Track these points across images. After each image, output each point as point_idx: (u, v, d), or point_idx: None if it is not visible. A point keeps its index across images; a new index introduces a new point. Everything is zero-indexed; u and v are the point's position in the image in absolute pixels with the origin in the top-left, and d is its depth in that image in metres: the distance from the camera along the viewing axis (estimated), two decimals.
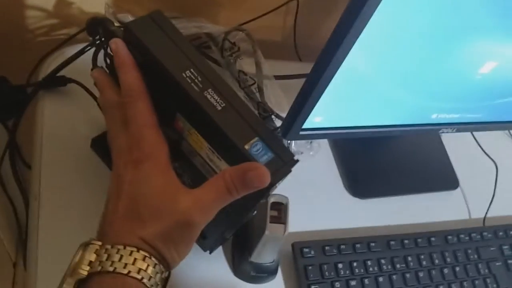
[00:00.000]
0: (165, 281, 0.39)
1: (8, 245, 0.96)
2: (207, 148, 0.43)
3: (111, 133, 0.43)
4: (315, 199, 0.65)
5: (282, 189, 0.54)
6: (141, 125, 0.40)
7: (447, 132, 0.65)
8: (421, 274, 0.62)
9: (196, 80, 0.41)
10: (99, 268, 0.35)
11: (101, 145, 0.57)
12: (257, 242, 0.52)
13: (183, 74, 0.41)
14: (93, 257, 0.36)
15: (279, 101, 0.66)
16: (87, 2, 0.66)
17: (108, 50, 0.47)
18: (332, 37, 0.44)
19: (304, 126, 0.54)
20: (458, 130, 0.65)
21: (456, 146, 0.78)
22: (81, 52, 0.60)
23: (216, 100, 0.41)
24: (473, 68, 0.54)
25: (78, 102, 0.61)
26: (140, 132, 0.40)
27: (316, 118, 0.54)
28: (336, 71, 0.47)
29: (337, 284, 0.57)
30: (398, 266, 0.61)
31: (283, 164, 0.41)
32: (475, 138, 0.79)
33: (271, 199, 0.51)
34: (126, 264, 0.35)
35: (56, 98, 0.61)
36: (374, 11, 0.40)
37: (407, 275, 0.61)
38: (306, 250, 0.58)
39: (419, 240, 0.64)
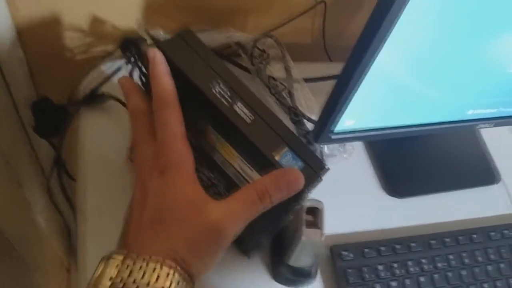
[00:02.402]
0: None
1: (60, 252, 1.01)
2: (239, 159, 0.44)
3: (136, 140, 0.43)
4: (352, 201, 0.65)
5: (318, 192, 0.55)
6: (169, 134, 0.40)
7: (484, 127, 0.63)
8: (464, 273, 0.61)
9: (225, 95, 0.43)
10: (121, 285, 0.34)
11: None
12: (294, 247, 0.52)
13: (213, 90, 0.43)
14: (114, 272, 0.35)
15: (310, 104, 0.66)
16: (121, 19, 0.69)
17: (143, 69, 0.48)
18: (360, 38, 0.44)
19: (336, 130, 0.54)
20: (497, 125, 0.63)
21: (496, 139, 0.76)
22: (118, 69, 0.62)
23: (245, 113, 0.42)
24: (508, 62, 0.53)
25: (116, 117, 0.64)
26: (168, 141, 0.40)
27: (347, 122, 0.54)
28: (365, 73, 0.47)
29: (378, 286, 0.57)
30: (439, 265, 0.61)
31: (313, 172, 0.41)
32: None
33: (306, 204, 0.52)
34: (149, 282, 0.34)
35: (96, 115, 0.64)
36: (403, 9, 0.40)
37: (449, 274, 0.60)
38: (344, 253, 0.58)
39: (461, 237, 0.63)
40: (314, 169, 0.41)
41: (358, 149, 0.70)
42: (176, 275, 0.35)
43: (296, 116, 0.66)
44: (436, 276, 0.60)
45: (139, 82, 0.52)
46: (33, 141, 0.79)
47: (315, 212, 0.52)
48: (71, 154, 0.66)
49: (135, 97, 0.44)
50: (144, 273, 0.34)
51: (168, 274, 0.35)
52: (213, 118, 0.43)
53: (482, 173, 0.73)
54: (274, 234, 0.55)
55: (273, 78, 0.68)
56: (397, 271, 0.59)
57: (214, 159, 0.48)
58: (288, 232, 0.54)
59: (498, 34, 0.48)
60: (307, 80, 0.70)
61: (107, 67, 0.67)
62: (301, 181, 0.38)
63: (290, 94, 0.67)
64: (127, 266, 0.35)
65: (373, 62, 0.45)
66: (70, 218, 0.96)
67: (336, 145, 0.61)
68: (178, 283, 0.35)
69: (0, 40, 0.61)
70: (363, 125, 0.56)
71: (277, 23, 0.74)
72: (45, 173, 0.83)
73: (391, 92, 0.52)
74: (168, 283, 0.35)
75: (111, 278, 0.35)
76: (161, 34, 0.62)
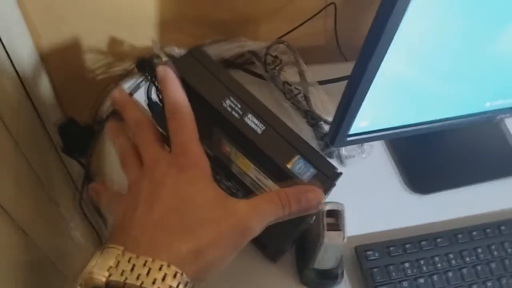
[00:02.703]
0: None
1: None
2: (254, 169, 0.45)
3: (143, 145, 0.40)
4: (375, 200, 0.65)
5: (340, 193, 0.56)
6: (187, 137, 0.39)
7: (505, 117, 0.62)
8: (493, 265, 0.60)
9: (236, 108, 0.44)
10: (123, 278, 0.31)
11: None
12: (317, 250, 0.53)
13: (224, 104, 0.44)
14: (112, 262, 0.31)
15: (326, 107, 0.67)
16: (137, 38, 0.71)
17: (159, 86, 0.50)
18: (366, 41, 0.45)
19: (351, 132, 0.55)
20: None
21: None
22: (137, 87, 0.65)
23: (256, 124, 0.43)
24: None
25: None
26: (187, 143, 0.39)
27: (361, 123, 0.54)
28: (374, 75, 0.47)
29: (405, 284, 0.57)
30: (467, 259, 0.60)
31: (326, 178, 0.42)
32: None
33: (326, 207, 0.52)
34: (155, 280, 0.31)
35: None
36: (406, 8, 0.40)
37: (478, 267, 0.60)
38: (369, 253, 0.59)
39: (488, 230, 0.62)
40: (327, 175, 0.42)
41: (378, 147, 0.70)
42: (185, 275, 0.32)
43: (313, 119, 0.66)
44: (464, 270, 0.59)
45: (157, 99, 0.54)
46: (64, 160, 0.83)
47: (336, 214, 0.53)
48: (99, 170, 0.69)
49: (134, 107, 0.42)
50: (149, 270, 0.31)
51: (176, 274, 0.32)
52: (226, 131, 0.45)
53: (507, 163, 0.71)
54: (296, 239, 0.56)
55: (288, 83, 0.69)
56: (424, 268, 0.58)
57: (231, 169, 0.49)
58: (311, 236, 0.54)
59: (507, 24, 0.48)
60: (322, 82, 0.70)
61: (127, 85, 0.69)
62: (321, 200, 0.38)
63: (306, 98, 0.68)
64: (129, 259, 0.32)
65: (380, 64, 0.46)
66: (103, 231, 1.00)
67: (353, 146, 0.61)
68: (186, 284, 0.32)
69: (25, 66, 0.64)
70: (378, 126, 0.56)
71: (289, 28, 0.75)
72: (77, 189, 0.86)
73: (403, 92, 0.52)
74: (175, 283, 0.31)
75: (109, 268, 0.31)
76: (175, 50, 0.64)
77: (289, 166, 0.42)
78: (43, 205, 0.74)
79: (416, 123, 0.58)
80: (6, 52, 0.59)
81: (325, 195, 0.43)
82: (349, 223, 0.60)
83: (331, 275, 0.57)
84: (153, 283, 0.31)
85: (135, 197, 0.37)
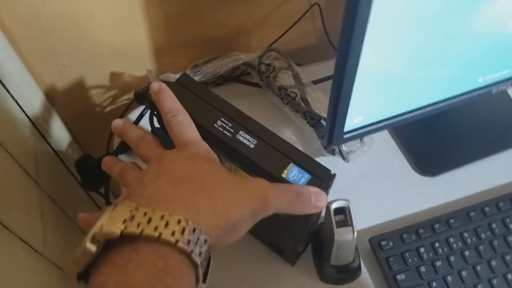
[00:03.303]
0: (208, 262, 0.34)
1: None
2: None
3: (146, 155, 0.41)
4: (385, 189, 0.66)
5: (349, 189, 0.58)
6: (189, 134, 0.40)
7: (501, 90, 0.62)
8: (510, 238, 0.60)
9: (227, 127, 0.46)
10: (139, 230, 0.29)
11: None
12: (331, 248, 0.55)
13: (215, 125, 0.46)
14: (127, 215, 0.30)
15: (324, 105, 0.68)
16: (135, 68, 0.74)
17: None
18: (341, 38, 0.45)
19: (346, 129, 0.56)
20: None
21: None
22: (141, 115, 0.68)
23: (248, 139, 0.46)
24: (503, 21, 0.52)
25: None
26: (190, 139, 0.40)
27: (355, 119, 0.56)
28: (355, 70, 0.47)
29: (423, 268, 0.58)
30: (483, 236, 0.60)
31: (321, 182, 0.44)
32: None
33: (333, 206, 0.54)
34: (174, 232, 0.29)
35: (132, 159, 0.70)
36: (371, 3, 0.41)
37: (495, 243, 0.60)
38: (384, 243, 0.60)
39: (501, 204, 0.62)
40: (321, 178, 0.44)
41: (382, 135, 0.70)
42: (204, 232, 0.31)
43: (313, 119, 0.68)
44: (481, 247, 0.60)
45: (159, 125, 0.57)
46: (89, 192, 0.87)
47: (344, 211, 0.54)
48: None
49: (133, 128, 0.45)
50: (167, 223, 0.30)
51: (195, 229, 0.30)
52: (222, 149, 0.47)
53: None
54: (308, 241, 0.58)
55: (284, 88, 0.71)
56: (440, 250, 0.59)
57: None
58: (324, 235, 0.56)
59: None
60: (317, 81, 0.72)
61: (132, 115, 0.72)
62: (325, 202, 0.40)
63: (303, 99, 0.69)
64: (145, 213, 0.30)
65: (358, 59, 0.46)
66: None
67: (353, 141, 0.63)
68: (205, 241, 0.31)
69: (36, 112, 0.68)
70: (373, 119, 0.57)
71: (280, 33, 0.76)
72: None
73: (390, 83, 0.53)
74: (195, 238, 0.30)
75: (124, 221, 0.29)
76: (170, 76, 0.67)
77: (283, 175, 0.44)
78: (73, 238, 0.78)
79: (412, 109, 0.59)
80: (16, 102, 0.63)
81: None
82: (361, 215, 0.62)
83: (349, 270, 0.58)
84: (172, 234, 0.29)
85: (143, 174, 0.37)
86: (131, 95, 0.78)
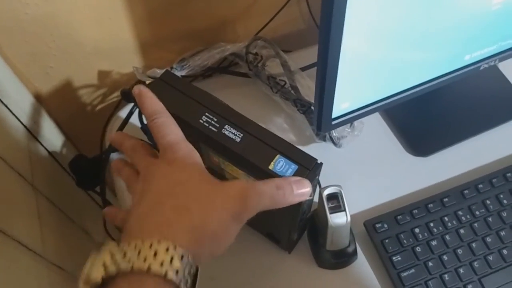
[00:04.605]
0: (195, 277, 0.34)
1: None
2: (243, 174, 0.48)
3: (139, 162, 0.43)
4: (379, 172, 0.66)
5: (343, 174, 0.58)
6: (172, 136, 0.41)
7: (489, 66, 0.62)
8: (504, 214, 0.60)
9: (212, 122, 0.46)
10: (115, 267, 0.30)
11: None
12: (325, 233, 0.55)
13: (200, 121, 0.46)
14: (107, 258, 0.31)
15: (314, 91, 0.68)
16: (123, 66, 0.74)
17: None
18: (320, 27, 0.45)
19: (334, 115, 0.56)
20: (501, 60, 0.62)
21: None
22: (130, 113, 0.68)
23: (234, 133, 0.46)
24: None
25: None
26: (171, 142, 0.40)
27: (343, 105, 0.56)
28: (338, 56, 0.47)
29: (418, 249, 0.58)
30: (477, 213, 0.61)
31: (308, 171, 0.44)
32: None
33: (325, 192, 0.54)
34: (146, 258, 0.31)
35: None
36: None
37: (489, 219, 0.60)
38: (378, 225, 0.60)
39: (494, 180, 0.63)
40: (308, 168, 0.44)
41: (374, 118, 0.70)
42: (179, 248, 0.32)
43: (303, 106, 0.68)
44: (476, 224, 0.60)
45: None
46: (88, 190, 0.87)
47: (336, 197, 0.55)
48: (115, 194, 0.73)
49: (128, 138, 0.46)
50: (140, 251, 0.31)
51: (168, 249, 0.31)
52: (209, 144, 0.47)
53: (507, 106, 0.70)
54: (302, 229, 0.58)
55: (272, 77, 0.70)
56: (435, 230, 0.60)
57: (225, 176, 0.52)
58: (319, 222, 0.57)
59: None
60: (307, 67, 0.72)
61: (123, 112, 0.72)
62: (308, 189, 0.40)
63: (293, 87, 0.69)
64: (122, 248, 0.32)
65: (340, 44, 0.46)
66: None
67: (343, 126, 0.63)
68: (181, 257, 0.32)
69: (27, 115, 0.68)
70: (361, 103, 0.57)
71: (266, 21, 0.76)
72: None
73: (375, 67, 0.53)
74: (169, 258, 0.31)
75: (104, 263, 0.31)
76: (157, 72, 0.67)
77: (270, 167, 0.44)
78: (73, 237, 0.79)
79: (399, 91, 0.59)
80: (6, 106, 0.63)
81: (312, 186, 0.45)
82: (356, 199, 0.63)
83: (345, 254, 0.59)
84: (144, 260, 0.31)
85: (132, 202, 0.39)
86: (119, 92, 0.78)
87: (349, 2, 0.42)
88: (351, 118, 0.57)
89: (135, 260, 0.31)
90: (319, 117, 0.55)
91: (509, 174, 0.63)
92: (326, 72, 0.48)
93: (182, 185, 0.37)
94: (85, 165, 0.72)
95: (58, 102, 0.75)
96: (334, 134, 0.63)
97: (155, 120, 0.42)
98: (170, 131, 0.42)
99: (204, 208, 0.35)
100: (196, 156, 0.41)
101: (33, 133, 0.71)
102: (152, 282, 0.30)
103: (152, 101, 0.44)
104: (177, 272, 0.31)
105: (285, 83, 0.70)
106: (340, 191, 0.54)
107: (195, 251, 0.33)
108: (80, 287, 0.31)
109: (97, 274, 0.31)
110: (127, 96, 0.64)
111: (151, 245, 0.31)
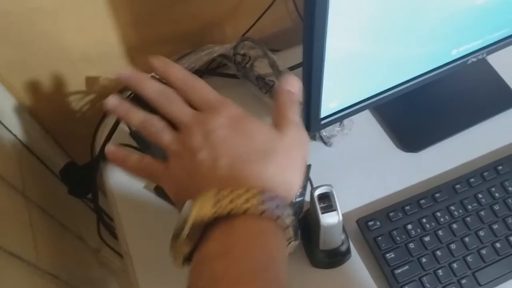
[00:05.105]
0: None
1: None
2: None
3: (172, 112, 0.40)
4: (371, 169, 0.66)
5: (334, 173, 0.58)
6: (214, 94, 0.40)
7: (477, 59, 0.61)
8: (496, 207, 0.60)
9: None
10: (227, 210, 0.33)
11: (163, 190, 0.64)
12: (318, 233, 0.55)
13: None
14: (213, 200, 0.33)
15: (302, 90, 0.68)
16: (110, 71, 0.74)
17: None
18: (304, 25, 0.45)
19: (323, 115, 0.56)
20: (489, 53, 0.62)
21: (508, 62, 0.73)
22: (117, 122, 0.68)
23: None
24: None
25: None
26: (203, 96, 0.40)
27: (331, 104, 0.55)
28: (323, 55, 0.47)
29: (411, 245, 0.58)
30: (469, 207, 0.61)
31: None
32: None
33: (316, 192, 0.54)
34: (257, 204, 0.33)
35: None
36: None
37: (482, 213, 0.60)
38: (371, 223, 0.60)
39: (486, 173, 0.63)
40: None
41: (364, 114, 0.70)
42: (280, 198, 0.35)
43: None
44: (468, 219, 0.60)
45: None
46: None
47: (327, 197, 0.54)
48: (107, 202, 0.73)
49: (149, 80, 0.42)
50: (248, 198, 0.33)
51: (275, 197, 0.34)
52: None
53: (498, 98, 0.70)
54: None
55: (261, 77, 0.70)
56: (428, 225, 0.60)
57: None
58: (312, 222, 0.56)
59: None
60: (295, 66, 0.71)
61: (112, 119, 0.72)
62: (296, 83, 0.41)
63: None
64: (228, 194, 0.33)
65: (324, 44, 0.46)
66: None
67: (332, 125, 0.62)
68: (284, 204, 0.35)
69: (16, 124, 0.68)
70: (349, 102, 0.57)
71: (253, 21, 0.75)
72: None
73: (361, 65, 0.53)
74: (274, 204, 0.34)
75: (214, 205, 0.33)
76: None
77: None
78: (67, 244, 0.79)
79: (387, 89, 0.59)
80: None
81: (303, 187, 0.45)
82: (348, 197, 0.63)
83: (338, 253, 0.59)
84: (257, 206, 0.33)
85: (191, 152, 0.37)
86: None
87: (331, 0, 0.42)
88: (340, 117, 0.57)
89: (248, 205, 0.33)
90: (307, 117, 0.55)
91: (500, 167, 0.63)
92: (311, 73, 0.48)
93: (252, 136, 0.38)
94: (76, 173, 0.71)
95: (47, 110, 0.74)
96: (324, 133, 0.63)
97: (190, 82, 0.41)
98: (210, 90, 0.40)
99: (286, 159, 0.38)
100: (230, 100, 0.40)
101: (22, 141, 0.71)
102: (265, 224, 0.33)
103: (179, 68, 0.42)
104: (287, 216, 0.34)
105: (274, 83, 0.69)
106: (332, 191, 0.54)
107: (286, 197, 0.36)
108: (187, 226, 0.33)
109: (209, 212, 0.33)
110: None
111: (258, 193, 0.33)
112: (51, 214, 0.75)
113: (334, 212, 0.53)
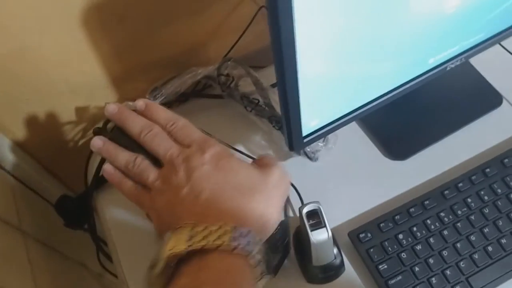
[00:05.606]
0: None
1: None
2: None
3: (158, 146, 0.44)
4: (358, 180, 0.66)
5: (321, 187, 0.59)
6: (200, 134, 0.44)
7: (455, 65, 0.62)
8: (486, 210, 0.61)
9: None
10: (204, 242, 0.35)
11: None
12: (310, 250, 0.56)
13: None
14: (187, 235, 0.35)
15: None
16: (99, 100, 0.75)
17: None
18: (272, 49, 0.45)
19: (304, 134, 0.56)
20: (466, 58, 0.62)
21: (490, 62, 0.73)
22: None
23: None
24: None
25: None
26: (204, 137, 0.44)
27: (312, 123, 0.56)
28: (296, 77, 0.47)
29: (403, 255, 0.59)
30: (459, 212, 0.61)
31: None
32: (505, 49, 0.73)
33: (304, 210, 0.55)
34: (231, 239, 0.35)
35: (108, 191, 0.70)
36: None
37: (472, 217, 0.60)
38: (362, 235, 0.60)
39: (474, 177, 0.63)
40: None
41: (350, 126, 0.70)
42: (254, 233, 0.37)
43: (278, 122, 0.68)
44: (458, 224, 0.60)
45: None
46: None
47: (316, 213, 0.55)
48: (104, 231, 0.74)
49: (135, 116, 0.47)
50: (224, 232, 0.35)
51: (249, 232, 0.36)
52: None
53: (482, 100, 0.71)
54: (281, 252, 0.59)
55: (245, 96, 0.71)
56: (418, 234, 0.60)
57: None
58: (303, 240, 0.57)
59: None
60: (273, 85, 0.72)
61: None
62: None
63: (266, 104, 0.69)
64: (203, 229, 0.36)
65: (296, 67, 0.46)
66: None
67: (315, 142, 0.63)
68: (257, 242, 0.37)
69: (9, 161, 0.69)
70: (330, 118, 0.57)
71: (235, 39, 0.76)
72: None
73: (337, 83, 0.53)
74: (245, 241, 0.36)
75: (188, 240, 0.35)
76: (130, 104, 0.67)
77: None
78: (68, 273, 0.80)
79: (367, 102, 0.59)
80: None
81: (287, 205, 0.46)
82: (338, 211, 0.63)
83: (332, 268, 0.59)
84: (234, 240, 0.35)
85: (174, 188, 0.41)
86: (99, 125, 0.78)
87: (297, 23, 0.42)
88: (322, 133, 0.58)
89: (222, 240, 0.35)
90: (289, 137, 0.55)
91: (488, 170, 0.63)
92: (287, 96, 0.49)
93: (234, 174, 0.41)
94: (71, 205, 0.72)
95: (38, 142, 0.75)
96: (308, 149, 0.63)
97: (176, 122, 0.44)
98: (195, 129, 0.44)
99: (263, 196, 0.41)
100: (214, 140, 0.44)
101: (15, 176, 0.71)
102: (237, 260, 0.36)
103: (163, 109, 0.46)
104: (258, 251, 0.37)
105: (259, 101, 0.70)
106: (319, 208, 0.55)
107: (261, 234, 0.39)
108: (161, 258, 0.35)
109: (183, 247, 0.35)
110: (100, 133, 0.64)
111: (232, 229, 0.36)
112: (49, 245, 0.76)
113: (323, 229, 0.54)
